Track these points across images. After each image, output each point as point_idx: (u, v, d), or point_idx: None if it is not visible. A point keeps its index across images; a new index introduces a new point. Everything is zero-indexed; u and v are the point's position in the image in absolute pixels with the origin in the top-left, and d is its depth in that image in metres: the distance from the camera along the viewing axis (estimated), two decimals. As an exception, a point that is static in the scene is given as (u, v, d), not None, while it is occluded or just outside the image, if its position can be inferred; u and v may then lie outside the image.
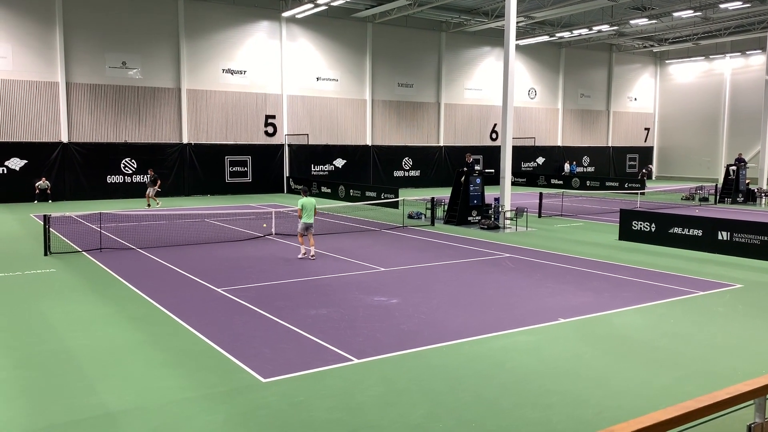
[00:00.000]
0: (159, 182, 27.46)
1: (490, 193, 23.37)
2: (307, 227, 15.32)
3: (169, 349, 8.57)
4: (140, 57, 31.69)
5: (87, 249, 16.19)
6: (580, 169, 46.90)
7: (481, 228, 21.03)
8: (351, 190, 30.77)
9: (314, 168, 37.17)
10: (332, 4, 32.13)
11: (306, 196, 15.37)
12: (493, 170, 24.95)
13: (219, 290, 11.94)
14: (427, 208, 23.04)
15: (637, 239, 18.31)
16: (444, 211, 23.01)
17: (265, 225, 17.77)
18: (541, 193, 26.17)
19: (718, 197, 31.63)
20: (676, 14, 35.38)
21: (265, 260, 15.10)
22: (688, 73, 50.28)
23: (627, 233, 18.70)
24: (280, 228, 19.84)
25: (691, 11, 34.57)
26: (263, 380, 7.37)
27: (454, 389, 7.19)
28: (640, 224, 18.43)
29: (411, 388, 7.19)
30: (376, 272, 13.77)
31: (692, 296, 11.81)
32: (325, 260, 15.12)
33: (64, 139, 30.11)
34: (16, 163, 29.04)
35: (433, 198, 22.91)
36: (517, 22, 36.34)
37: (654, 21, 38.31)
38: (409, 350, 8.49)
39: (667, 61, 51.42)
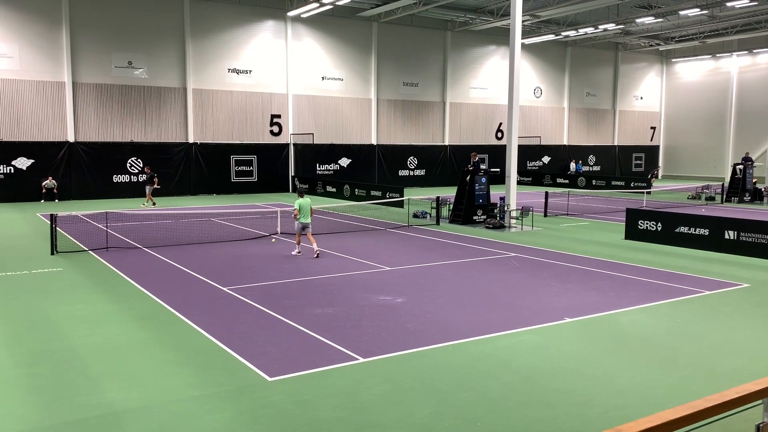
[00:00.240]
0: (156, 181, 27.28)
1: (495, 193, 23.33)
2: (304, 227, 15.56)
3: (175, 348, 8.59)
4: (146, 56, 31.78)
5: (93, 248, 16.24)
6: (585, 168, 46.80)
7: (487, 227, 21.00)
8: (356, 190, 30.78)
9: (319, 167, 37.20)
10: (337, 3, 32.13)
11: (302, 197, 15.74)
12: (498, 169, 24.91)
13: (225, 289, 11.96)
14: (432, 208, 23.02)
15: (644, 238, 18.25)
16: (449, 210, 22.98)
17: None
18: (546, 192, 26.12)
19: (724, 196, 31.49)
20: (682, 12, 35.24)
21: (271, 259, 15.12)
22: (694, 71, 50.08)
23: (633, 232, 18.65)
24: (286, 227, 19.85)
25: (698, 9, 34.43)
26: (269, 379, 7.39)
27: (459, 388, 7.19)
28: (647, 223, 18.37)
29: (416, 387, 7.19)
30: (381, 271, 13.76)
31: (699, 296, 11.76)
32: (330, 259, 15.13)
33: (71, 138, 30.22)
34: (23, 163, 29.17)
35: (438, 197, 22.89)
36: (523, 21, 36.34)
37: (660, 19, 38.17)
38: (414, 349, 8.48)
39: (673, 60, 51.23)
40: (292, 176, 36.09)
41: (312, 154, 36.75)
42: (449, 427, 6.23)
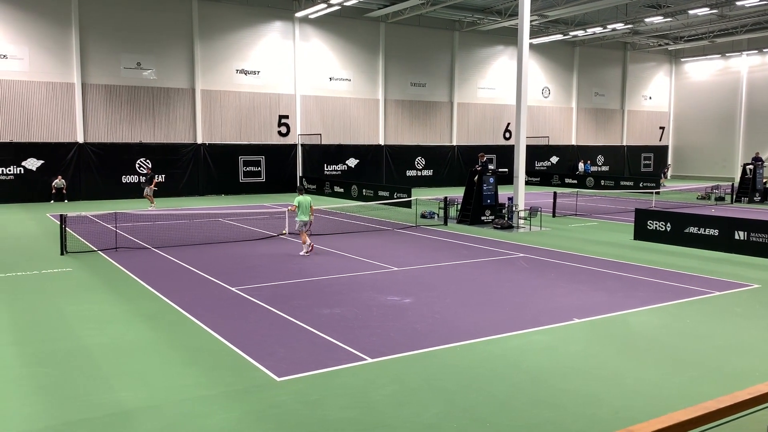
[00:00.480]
0: (155, 181, 27.24)
1: (503, 193, 23.28)
2: (305, 224, 15.66)
3: (184, 348, 8.62)
4: (155, 58, 31.92)
5: (103, 248, 16.32)
6: (594, 169, 46.62)
7: (495, 228, 20.96)
8: (364, 190, 30.79)
9: (327, 168, 37.24)
10: (345, 4, 32.16)
11: (302, 195, 15.87)
12: (506, 169, 24.90)
13: (233, 289, 11.99)
14: (440, 208, 23.00)
15: (653, 239, 18.17)
16: (457, 210, 22.95)
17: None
18: (555, 193, 26.05)
19: (734, 196, 31.30)
20: (691, 12, 35.05)
21: (279, 259, 15.14)
22: (703, 71, 49.81)
23: (642, 233, 18.56)
24: (294, 227, 19.86)
25: (707, 9, 34.23)
26: (277, 379, 7.40)
27: (467, 388, 7.17)
28: (656, 224, 18.28)
29: (424, 388, 7.18)
30: (389, 272, 13.76)
31: (709, 296, 11.69)
32: (338, 260, 15.14)
33: (80, 139, 30.39)
34: (32, 164, 29.35)
35: (446, 197, 22.86)
36: (531, 21, 36.23)
37: (669, 19, 37.98)
38: (422, 350, 8.47)
39: (682, 60, 50.97)
40: (300, 177, 36.15)
41: (320, 154, 36.80)
42: (457, 427, 6.21)
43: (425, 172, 40.75)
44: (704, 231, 17.14)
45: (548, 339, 9.03)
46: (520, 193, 21.15)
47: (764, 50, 45.27)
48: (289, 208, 15.91)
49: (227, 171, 33.99)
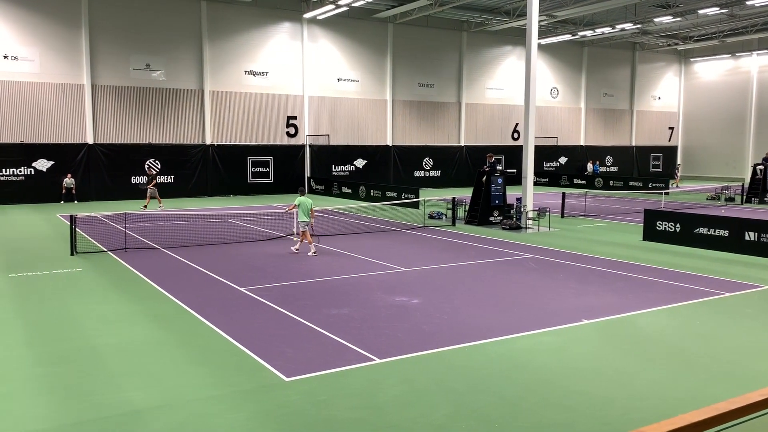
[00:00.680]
0: (155, 182, 27.13)
1: (511, 193, 23.24)
2: (306, 225, 15.85)
3: (193, 348, 8.65)
4: (164, 59, 32.06)
5: (112, 249, 16.41)
6: (603, 169, 46.45)
7: (503, 228, 20.92)
8: (372, 191, 30.80)
9: (335, 168, 37.28)
10: (353, 5, 32.22)
11: (303, 196, 16.01)
12: (515, 170, 24.86)
13: (242, 289, 12.03)
14: (448, 209, 22.97)
15: (662, 240, 18.08)
16: (465, 211, 22.92)
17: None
18: (563, 193, 25.97)
19: (744, 197, 31.10)
20: (701, 11, 34.85)
21: (287, 260, 15.17)
22: (713, 71, 49.53)
23: (651, 233, 18.47)
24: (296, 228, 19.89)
25: (717, 8, 34.04)
26: (286, 379, 7.41)
27: (476, 389, 7.16)
28: (665, 224, 18.20)
29: (433, 388, 7.18)
30: (397, 272, 13.76)
31: (719, 297, 11.62)
32: (346, 260, 15.16)
33: (90, 140, 30.57)
34: (43, 164, 29.55)
35: (454, 198, 22.84)
36: (539, 21, 36.08)
37: (678, 19, 37.79)
38: (430, 350, 8.47)
39: (692, 59, 50.70)
40: (308, 177, 36.21)
41: (328, 155, 36.85)
42: (466, 428, 6.21)
43: (433, 173, 40.72)
44: (714, 232, 17.04)
45: (557, 340, 9.00)
46: (529, 194, 21.10)
47: (775, 50, 44.98)
48: (287, 208, 16.01)
49: (236, 172, 34.10)
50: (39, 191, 29.30)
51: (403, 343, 8.78)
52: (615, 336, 9.24)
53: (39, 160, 29.48)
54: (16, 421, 6.34)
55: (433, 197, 27.58)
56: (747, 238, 16.28)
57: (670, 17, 36.82)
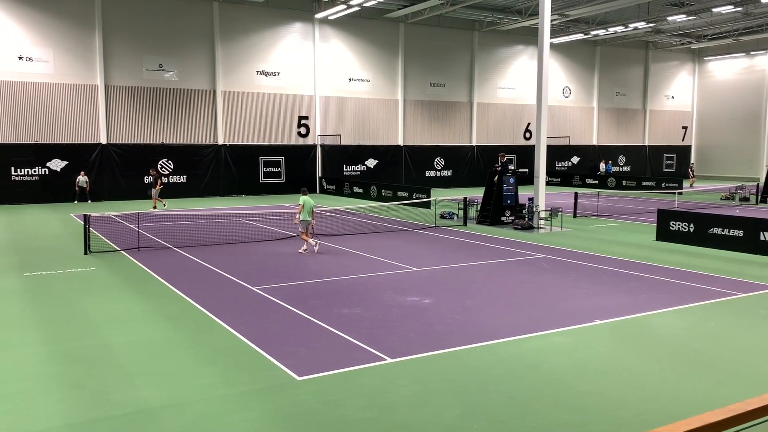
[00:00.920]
0: (160, 182, 27.19)
1: (523, 193, 23.15)
2: (308, 224, 16.07)
3: (205, 347, 8.69)
4: (176, 59, 32.24)
5: (125, 248, 16.52)
6: (615, 169, 46.18)
7: (515, 228, 20.85)
8: (383, 190, 30.80)
9: (346, 168, 37.32)
10: (365, 5, 32.24)
11: (305, 196, 16.21)
12: (526, 170, 24.74)
13: (254, 289, 12.06)
14: (459, 208, 22.93)
15: (675, 240, 17.94)
16: (477, 211, 22.87)
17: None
18: (576, 193, 25.84)
19: (759, 197, 30.80)
20: (715, 10, 34.57)
21: (298, 259, 15.20)
22: (727, 69, 49.10)
23: (664, 234, 18.34)
24: (315, 228, 19.93)
25: (731, 6, 33.74)
26: (298, 378, 7.43)
27: (487, 390, 7.14)
28: (678, 224, 18.06)
29: (444, 389, 7.17)
30: (408, 272, 13.75)
31: (733, 298, 11.52)
32: (357, 260, 15.16)
33: (103, 140, 30.79)
34: (57, 164, 29.81)
35: (465, 198, 22.79)
36: (552, 20, 35.99)
37: (692, 17, 37.48)
38: (442, 350, 8.45)
39: (705, 58, 50.29)
40: (319, 177, 36.27)
41: (339, 155, 36.90)
42: (477, 428, 6.19)
43: (444, 173, 40.66)
44: (728, 232, 16.89)
45: (569, 340, 8.96)
46: (541, 194, 21.02)
47: (790, 48, 44.51)
48: (297, 215, 16.09)
49: (248, 172, 34.23)
50: (53, 191, 29.56)
51: (414, 342, 8.77)
52: (628, 336, 9.18)
53: (53, 160, 29.74)
54: (30, 418, 6.39)
55: (445, 197, 27.54)
56: (762, 238, 16.12)
57: (684, 16, 36.53)
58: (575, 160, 46.12)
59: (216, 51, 32.99)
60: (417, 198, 27.26)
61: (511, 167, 23.50)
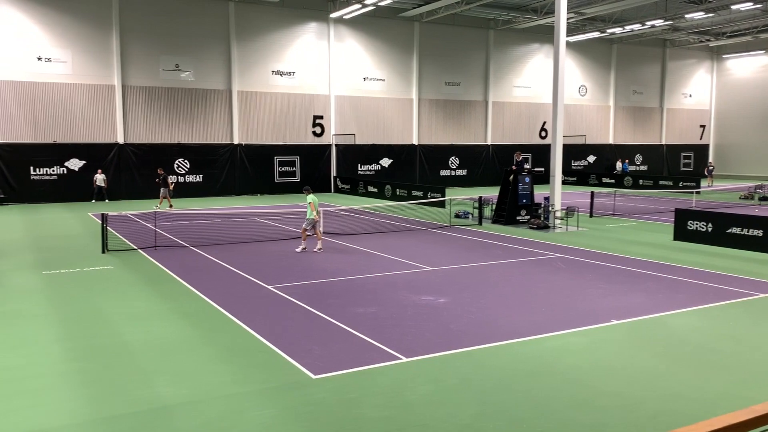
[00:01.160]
0: (171, 182, 27.19)
1: (539, 192, 23.04)
2: (313, 223, 16.23)
3: (222, 345, 8.74)
4: (193, 60, 32.45)
5: (142, 247, 16.66)
6: (632, 168, 45.80)
7: (531, 228, 20.75)
8: (397, 190, 30.79)
9: (361, 167, 37.36)
10: (380, 4, 32.24)
11: (311, 194, 16.42)
12: (542, 169, 24.61)
13: (269, 287, 12.11)
14: (474, 208, 22.86)
15: (693, 239, 17.76)
16: (492, 210, 22.79)
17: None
18: (592, 192, 25.67)
19: (779, 196, 30.40)
20: (734, 7, 34.17)
21: (314, 258, 15.25)
22: (747, 67, 48.49)
23: (682, 233, 18.16)
24: (328, 227, 20.00)
25: (751, 3, 33.31)
26: (313, 377, 7.45)
27: (504, 389, 7.12)
28: (696, 224, 17.87)
29: (460, 388, 7.15)
30: (423, 271, 13.74)
31: (752, 298, 11.38)
32: (372, 259, 15.18)
33: (120, 140, 31.07)
34: (75, 164, 30.12)
35: (480, 197, 22.71)
36: (568, 19, 35.74)
37: (711, 14, 37.08)
38: (457, 350, 8.44)
39: (724, 56, 49.71)
40: (334, 176, 36.34)
41: (354, 154, 36.94)
42: (494, 428, 6.17)
43: (459, 172, 40.56)
44: (747, 232, 16.69)
45: (586, 340, 8.90)
46: (557, 193, 20.90)
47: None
48: (315, 216, 16.14)
49: (263, 171, 34.38)
50: (71, 190, 29.88)
51: (429, 342, 8.76)
52: (645, 337, 9.10)
53: (71, 160, 30.05)
54: (49, 415, 6.47)
55: (460, 196, 27.47)
56: (782, 238, 15.90)
57: (702, 13, 36.14)
58: (591, 159, 45.80)
59: (232, 51, 33.16)
60: (432, 197, 27.21)
61: (527, 166, 23.39)
